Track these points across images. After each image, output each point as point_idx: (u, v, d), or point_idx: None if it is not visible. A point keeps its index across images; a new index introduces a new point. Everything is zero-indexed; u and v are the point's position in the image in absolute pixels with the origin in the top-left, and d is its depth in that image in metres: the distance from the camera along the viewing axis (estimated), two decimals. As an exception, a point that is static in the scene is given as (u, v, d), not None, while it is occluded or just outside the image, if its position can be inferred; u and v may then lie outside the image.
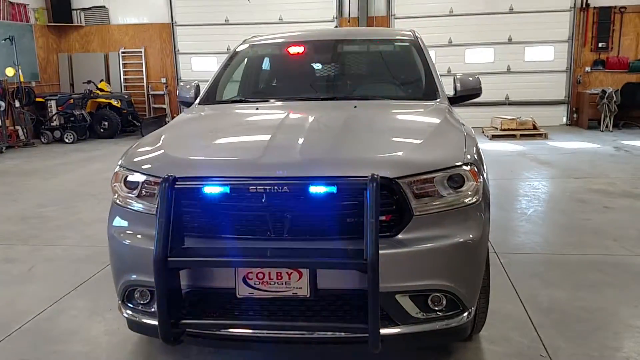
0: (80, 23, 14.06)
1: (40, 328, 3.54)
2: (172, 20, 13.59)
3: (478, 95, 4.01)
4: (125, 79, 14.18)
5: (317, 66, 4.23)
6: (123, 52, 14.04)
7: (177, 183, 2.47)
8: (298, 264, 2.43)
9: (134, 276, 2.72)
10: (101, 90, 13.05)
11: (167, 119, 13.88)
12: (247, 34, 12.94)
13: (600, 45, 12.38)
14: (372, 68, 4.27)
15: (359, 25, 12.59)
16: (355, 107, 3.42)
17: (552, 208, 6.10)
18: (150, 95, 14.17)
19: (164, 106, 14.08)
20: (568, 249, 4.71)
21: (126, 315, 2.86)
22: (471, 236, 2.60)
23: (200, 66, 13.69)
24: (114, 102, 12.79)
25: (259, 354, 3.08)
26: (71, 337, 3.40)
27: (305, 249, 2.46)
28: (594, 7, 12.21)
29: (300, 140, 2.73)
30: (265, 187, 2.43)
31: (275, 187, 2.43)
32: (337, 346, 2.60)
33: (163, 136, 3.14)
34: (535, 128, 11.19)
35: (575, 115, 12.75)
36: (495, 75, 12.43)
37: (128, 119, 13.12)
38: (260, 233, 2.54)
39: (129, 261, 2.75)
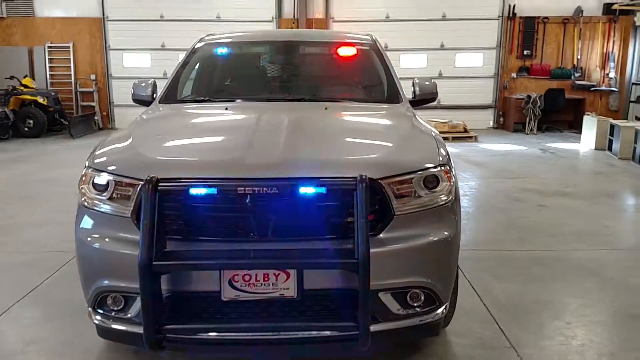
0: (2, 14, 13.23)
1: (-8, 339, 3.33)
2: (103, 15, 13.07)
3: (434, 99, 4.17)
4: (51, 75, 13.48)
5: (281, 67, 4.23)
6: (49, 47, 13.35)
7: (159, 185, 2.42)
8: (288, 264, 2.45)
9: (107, 282, 2.63)
10: (25, 86, 12.34)
11: (96, 118, 13.35)
12: (183, 31, 12.85)
13: (525, 52, 13.11)
14: (335, 70, 4.33)
15: (298, 27, 12.65)
16: (326, 108, 3.47)
17: (492, 207, 6.40)
18: (78, 93, 13.56)
19: (92, 104, 13.51)
20: (512, 245, 4.98)
21: (97, 322, 2.76)
22: (446, 234, 2.72)
23: (132, 63, 13.26)
24: (40, 100, 12.14)
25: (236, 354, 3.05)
26: (27, 347, 3.23)
27: (294, 250, 2.48)
28: (520, 17, 12.91)
29: (282, 141, 2.74)
30: (254, 188, 2.43)
31: (264, 188, 2.43)
32: (319, 345, 2.63)
33: (132, 136, 3.05)
34: (466, 131, 11.69)
35: (501, 119, 13.42)
36: (429, 80, 12.83)
37: (55, 117, 12.49)
38: (244, 235, 2.53)
39: (101, 266, 2.65)
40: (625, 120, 10.68)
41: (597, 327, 3.42)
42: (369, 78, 4.15)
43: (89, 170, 2.75)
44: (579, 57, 13.07)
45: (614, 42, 13.00)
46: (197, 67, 4.21)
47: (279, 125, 3.04)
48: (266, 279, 2.50)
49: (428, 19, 12.79)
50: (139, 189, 2.55)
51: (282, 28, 12.73)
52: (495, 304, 3.71)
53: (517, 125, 12.87)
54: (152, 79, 4.16)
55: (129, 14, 13.02)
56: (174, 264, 2.43)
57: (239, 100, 3.75)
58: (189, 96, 3.96)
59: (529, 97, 12.27)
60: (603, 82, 13.11)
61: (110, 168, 2.70)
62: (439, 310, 2.76)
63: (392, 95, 3.90)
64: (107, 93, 13.40)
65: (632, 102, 12.49)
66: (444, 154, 2.88)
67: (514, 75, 13.26)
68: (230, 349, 2.64)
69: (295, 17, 12.79)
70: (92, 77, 13.34)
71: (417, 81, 4.12)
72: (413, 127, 3.19)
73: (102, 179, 2.69)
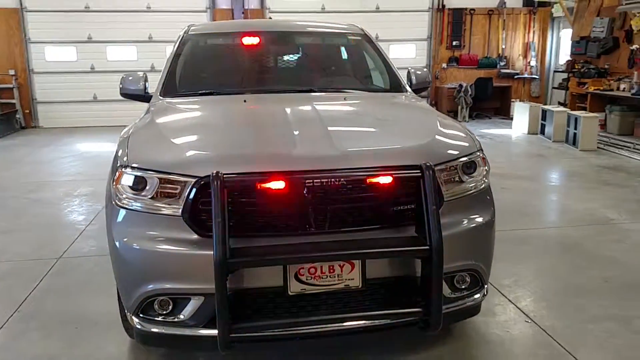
0: None
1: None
2: (20, 4, 12.13)
3: (428, 87, 4.29)
4: (-37, 71, 12.35)
5: (282, 58, 4.16)
6: (-40, 40, 12.22)
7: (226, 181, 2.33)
8: (359, 255, 2.44)
9: (157, 285, 2.51)
10: None
11: (17, 116, 12.41)
12: (111, 22, 12.22)
13: (454, 43, 13.65)
14: (336, 61, 4.32)
15: (233, 18, 12.41)
16: (344, 99, 3.47)
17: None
18: (-5, 89, 12.52)
19: (13, 101, 12.53)
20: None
21: (140, 328, 2.61)
22: (488, 217, 2.83)
23: (56, 57, 12.42)
24: (-46, 97, 11.11)
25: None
26: (49, 362, 3.00)
27: (362, 240, 2.48)
28: (449, 8, 13.41)
29: (332, 133, 2.72)
30: (322, 180, 2.40)
31: (331, 180, 2.41)
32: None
33: (162, 131, 2.90)
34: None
35: (434, 108, 13.88)
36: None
37: (-29, 116, 11.49)
38: (307, 227, 2.49)
39: (150, 269, 2.51)
40: (556, 105, 11.42)
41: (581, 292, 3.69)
42: (369, 68, 4.17)
43: (126, 169, 2.59)
44: (503, 46, 13.80)
45: (534, 32, 13.83)
46: (189, 58, 4.05)
47: (312, 116, 3.01)
48: (332, 270, 2.49)
49: (362, 10, 12.97)
50: (190, 186, 2.45)
51: (217, 20, 12.45)
52: (505, 285, 3.88)
53: (449, 114, 13.38)
54: (143, 72, 3.96)
55: (49, 4, 12.15)
56: (249, 261, 2.36)
57: (249, 93, 3.65)
58: (192, 89, 3.78)
59: (460, 86, 12.81)
60: (526, 70, 13.93)
61: (154, 166, 2.55)
62: (483, 291, 2.87)
63: (396, 85, 3.97)
64: (29, 89, 12.47)
65: (555, 88, 13.38)
66: (477, 140, 2.98)
67: (444, 65, 13.77)
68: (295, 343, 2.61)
69: (231, 7, 12.53)
70: (11, 72, 12.36)
71: (412, 70, 4.21)
72: (439, 115, 3.26)
73: (142, 177, 2.54)
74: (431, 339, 3.11)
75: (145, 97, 3.87)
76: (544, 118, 10.36)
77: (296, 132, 2.73)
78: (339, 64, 4.31)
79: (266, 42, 4.11)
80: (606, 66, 11.45)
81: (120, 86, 3.94)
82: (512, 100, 13.35)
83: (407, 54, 13.54)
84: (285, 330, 2.45)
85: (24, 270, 4.26)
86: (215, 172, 2.33)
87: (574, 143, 9.27)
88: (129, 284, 2.58)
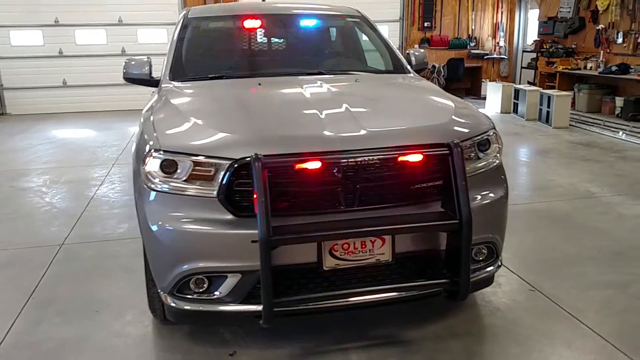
0: None
1: (26, 343, 3.07)
2: (-18, -13, 11.67)
3: (426, 68, 4.40)
4: None
5: (285, 41, 4.20)
6: None
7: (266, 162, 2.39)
8: (396, 230, 2.55)
9: (194, 264, 2.58)
10: None
11: (-17, 103, 12.01)
12: (78, 4, 11.82)
13: (425, 24, 13.80)
14: (339, 43, 4.39)
15: (204, 1, 12.25)
16: (356, 80, 3.54)
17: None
18: (-43, 76, 12.05)
19: (-24, 88, 12.10)
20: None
21: (174, 306, 2.68)
22: (503, 192, 2.98)
23: (21, 41, 12.00)
24: None
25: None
26: (77, 346, 3.02)
27: (393, 216, 2.59)
28: (420, -13, 13.56)
29: (355, 113, 2.80)
30: (356, 159, 2.49)
31: (365, 159, 2.50)
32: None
33: (187, 114, 2.93)
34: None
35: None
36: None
37: None
38: (340, 205, 2.58)
39: (188, 249, 2.57)
40: (526, 85, 11.73)
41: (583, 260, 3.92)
42: (377, 49, 4.25)
43: (157, 152, 2.62)
44: (473, 27, 14.03)
45: (502, 13, 14.10)
46: (193, 42, 4.05)
47: (332, 97, 3.09)
48: (364, 246, 2.59)
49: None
50: (226, 168, 2.51)
51: (188, 3, 12.26)
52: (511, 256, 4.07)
53: (421, 94, 13.56)
54: (147, 56, 3.94)
55: (14, -14, 11.74)
56: (292, 238, 2.44)
57: (259, 76, 3.68)
58: (200, 73, 3.78)
59: (434, 67, 13.01)
60: (495, 50, 14.22)
61: (188, 149, 2.59)
62: (497, 263, 3.04)
63: (398, 66, 4.07)
64: (-5, 75, 12.07)
65: (524, 68, 13.73)
66: (490, 118, 3.12)
67: (416, 46, 13.91)
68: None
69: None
70: (-26, 57, 11.92)
71: (411, 52, 4.31)
72: (448, 95, 3.38)
73: (173, 161, 2.58)
74: (443, 311, 3.26)
75: (150, 82, 3.86)
76: (516, 97, 10.65)
77: (322, 114, 2.80)
78: (342, 45, 4.38)
79: (269, 25, 4.15)
80: (573, 46, 11.80)
81: (124, 70, 3.91)
82: (482, 80, 13.65)
83: (379, 35, 13.62)
84: (322, 304, 2.55)
85: (27, 258, 4.22)
86: (255, 154, 2.39)
87: (547, 121, 9.59)
88: (166, 264, 2.63)
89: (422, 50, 4.42)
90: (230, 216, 2.56)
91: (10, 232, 4.84)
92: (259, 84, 3.48)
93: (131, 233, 4.69)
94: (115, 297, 3.58)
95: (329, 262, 2.56)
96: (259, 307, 2.53)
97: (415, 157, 2.57)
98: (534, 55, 12.95)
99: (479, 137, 2.89)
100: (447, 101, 3.20)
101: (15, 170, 7.01)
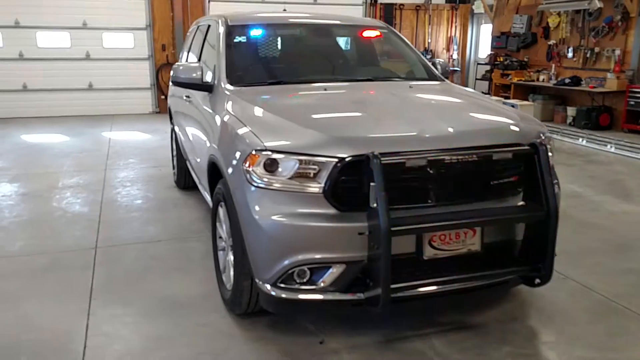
0: None
1: (107, 341, 3.12)
2: None
3: (448, 76, 4.76)
4: None
5: (330, 50, 4.42)
6: None
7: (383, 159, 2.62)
8: (494, 221, 2.87)
9: (302, 256, 2.76)
10: None
11: None
12: (40, 6, 11.42)
13: (386, 36, 14.35)
14: (378, 52, 4.66)
15: (172, 6, 12.22)
16: (410, 87, 3.83)
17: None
18: None
19: None
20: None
21: (280, 296, 2.85)
22: (558, 187, 3.34)
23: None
24: None
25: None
26: (169, 342, 3.11)
27: (485, 209, 2.89)
28: (380, 3, 14.06)
29: (437, 114, 3.10)
30: (458, 157, 2.78)
31: (467, 157, 2.79)
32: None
33: (278, 116, 3.12)
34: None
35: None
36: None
37: None
38: (438, 199, 2.86)
39: (297, 242, 2.75)
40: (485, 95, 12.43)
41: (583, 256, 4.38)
42: (408, 58, 4.56)
43: (261, 152, 2.79)
44: (429, 40, 14.71)
45: (456, 27, 14.89)
46: (241, 49, 4.20)
47: (405, 101, 3.36)
48: (457, 237, 2.86)
49: (300, 2, 13.22)
50: (332, 166, 2.71)
51: (155, 6, 12.16)
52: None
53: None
54: (197, 62, 4.03)
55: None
56: (410, 229, 2.69)
57: (318, 82, 3.88)
58: (257, 79, 3.93)
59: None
60: (449, 62, 14.96)
61: (293, 149, 2.78)
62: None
63: (431, 74, 4.39)
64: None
65: (478, 79, 14.52)
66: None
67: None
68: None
69: (170, -5, 12.29)
70: None
71: (437, 61, 4.66)
72: (496, 100, 3.73)
73: (276, 160, 2.76)
74: (494, 299, 3.58)
75: (201, 86, 3.96)
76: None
77: (407, 115, 3.06)
78: (381, 55, 4.66)
79: (314, 35, 4.37)
80: (526, 59, 12.67)
81: (173, 74, 3.98)
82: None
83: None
84: (428, 290, 2.82)
85: (66, 262, 4.20)
86: (372, 152, 2.61)
87: (511, 129, 10.25)
88: (273, 256, 2.79)
89: (443, 60, 4.77)
90: (333, 210, 2.76)
91: (36, 237, 4.75)
92: (325, 89, 3.70)
93: (162, 235, 4.75)
94: (182, 295, 3.66)
95: (428, 252, 2.82)
96: (358, 295, 2.77)
97: (505, 155, 2.88)
98: (488, 67, 13.74)
99: (539, 139, 3.24)
100: (504, 106, 3.55)
101: (5, 175, 6.78)
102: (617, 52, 10.43)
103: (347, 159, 2.70)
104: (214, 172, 3.56)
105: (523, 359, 2.98)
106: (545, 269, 2.90)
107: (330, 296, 2.82)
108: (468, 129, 3.02)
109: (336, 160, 2.71)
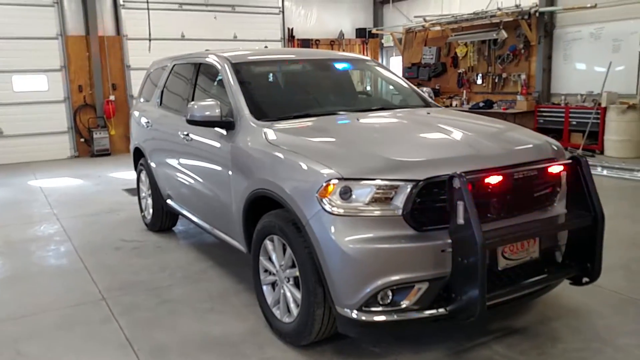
0: None
1: None
2: None
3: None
4: None
5: (334, 83, 4.57)
6: None
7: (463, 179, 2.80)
8: (556, 230, 3.19)
9: (388, 278, 2.84)
10: None
11: None
12: (17, 50, 10.51)
13: (304, 69, 14.76)
14: (381, 85, 4.88)
15: (89, 45, 11.74)
16: (428, 113, 4.07)
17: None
18: None
19: None
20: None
21: (373, 319, 2.89)
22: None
23: None
24: None
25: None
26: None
27: (543, 219, 3.18)
28: (298, 39, 14.50)
29: (477, 136, 3.37)
30: (522, 172, 3.05)
31: (525, 173, 3.07)
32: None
33: (336, 145, 3.23)
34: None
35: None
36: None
37: None
38: (506, 212, 3.10)
39: (381, 265, 2.84)
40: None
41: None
42: (401, 88, 4.81)
43: (335, 180, 2.88)
44: (344, 72, 15.36)
45: (368, 59, 15.69)
46: (254, 85, 4.21)
47: (443, 126, 3.57)
48: (523, 246, 3.10)
49: (221, 39, 13.28)
50: (410, 188, 2.85)
51: (69, 46, 11.63)
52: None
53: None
54: (213, 100, 3.96)
55: None
56: (502, 240, 2.91)
57: (334, 113, 4.02)
58: (280, 113, 3.93)
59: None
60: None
61: (368, 174, 2.89)
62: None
63: (426, 100, 4.67)
64: None
65: (394, 108, 15.33)
66: None
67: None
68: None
69: (84, 33, 11.80)
70: None
71: (424, 90, 4.98)
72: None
73: (349, 187, 2.87)
74: (525, 304, 3.86)
75: (220, 123, 3.92)
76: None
77: (455, 138, 3.30)
78: (380, 86, 4.90)
79: (319, 69, 4.51)
80: (437, 87, 13.62)
81: (189, 114, 3.91)
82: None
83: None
84: (509, 296, 3.04)
85: (80, 317, 3.89)
86: (455, 172, 2.79)
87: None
88: (357, 282, 2.84)
89: (427, 88, 5.12)
90: (412, 231, 2.89)
91: (26, 295, 4.35)
92: (357, 119, 3.84)
93: (167, 279, 4.56)
94: (229, 333, 3.57)
95: (501, 263, 3.02)
96: (440, 311, 2.91)
97: (557, 169, 3.20)
98: (402, 96, 14.57)
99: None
100: (520, 127, 3.90)
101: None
102: (523, 76, 11.61)
103: (423, 181, 2.86)
104: (255, 207, 3.55)
105: (576, 353, 3.25)
106: (594, 268, 3.21)
107: (415, 315, 2.92)
108: (519, 148, 3.32)
109: (413, 182, 2.85)
